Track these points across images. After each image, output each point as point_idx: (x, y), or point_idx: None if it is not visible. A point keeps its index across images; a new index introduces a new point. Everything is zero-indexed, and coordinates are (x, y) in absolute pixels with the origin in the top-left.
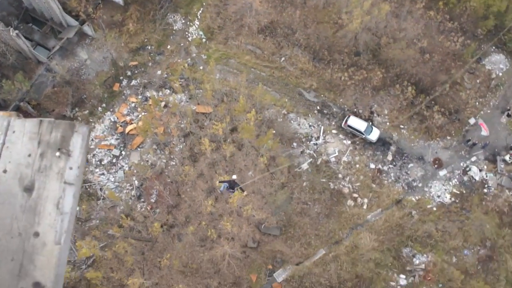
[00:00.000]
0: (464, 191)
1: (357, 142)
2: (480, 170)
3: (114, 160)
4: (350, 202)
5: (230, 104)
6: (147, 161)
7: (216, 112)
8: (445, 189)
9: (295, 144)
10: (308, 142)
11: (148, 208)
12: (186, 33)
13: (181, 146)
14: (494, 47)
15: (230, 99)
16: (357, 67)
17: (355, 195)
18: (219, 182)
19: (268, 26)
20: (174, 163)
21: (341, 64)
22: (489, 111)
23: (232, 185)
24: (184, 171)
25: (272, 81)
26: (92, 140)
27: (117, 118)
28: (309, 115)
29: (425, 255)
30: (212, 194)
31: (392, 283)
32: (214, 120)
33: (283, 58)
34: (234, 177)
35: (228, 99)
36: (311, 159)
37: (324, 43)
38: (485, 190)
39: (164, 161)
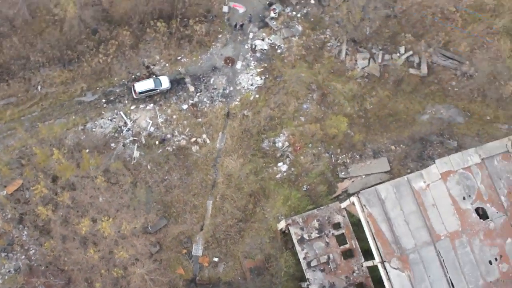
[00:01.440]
0: (266, 64)
1: (158, 99)
2: (263, 39)
3: None
4: (195, 148)
5: (31, 165)
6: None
7: (26, 179)
8: (251, 75)
9: (113, 144)
10: (121, 133)
11: None
12: None
13: (25, 232)
14: None
15: (26, 161)
16: (104, 42)
17: (193, 139)
18: None
19: None
20: (34, 251)
21: (90, 50)
22: None
23: None
24: (48, 248)
25: (46, 113)
26: None
27: None
28: (102, 112)
29: (280, 135)
30: (87, 243)
31: (278, 175)
32: (31, 188)
33: (39, 87)
34: None
35: (26, 161)
36: (136, 144)
37: (59, 45)
38: (279, 51)
39: (23, 258)
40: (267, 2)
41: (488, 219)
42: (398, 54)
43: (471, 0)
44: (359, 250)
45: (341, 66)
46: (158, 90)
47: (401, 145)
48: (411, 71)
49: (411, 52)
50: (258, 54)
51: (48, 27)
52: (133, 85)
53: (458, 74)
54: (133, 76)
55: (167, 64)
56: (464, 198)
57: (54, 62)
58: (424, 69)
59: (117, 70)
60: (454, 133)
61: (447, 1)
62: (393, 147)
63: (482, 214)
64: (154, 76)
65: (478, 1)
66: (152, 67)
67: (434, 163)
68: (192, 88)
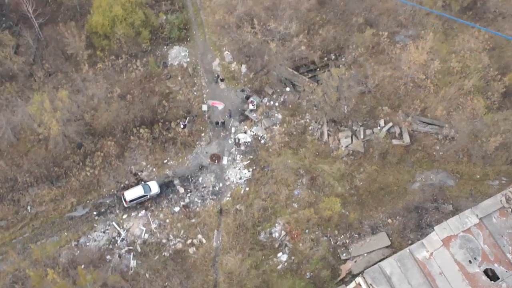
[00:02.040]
0: (251, 156)
1: (149, 205)
2: (245, 132)
3: None
4: (191, 250)
5: None
6: None
7: None
8: (239, 169)
9: (108, 256)
10: (116, 244)
11: None
12: None
13: None
14: (165, 46)
15: (20, 285)
16: (90, 155)
17: (189, 241)
18: None
19: None
20: None
21: (77, 165)
22: (208, 90)
23: None
24: None
25: (38, 232)
26: None
27: None
28: (94, 224)
29: (276, 225)
30: None
31: (279, 266)
32: None
33: (29, 207)
34: None
35: (19, 285)
36: (132, 253)
37: (45, 163)
38: (262, 141)
39: None
40: (244, 96)
41: (499, 280)
42: (378, 128)
43: (438, 66)
44: None
45: (326, 147)
46: (148, 196)
47: (398, 217)
48: (394, 142)
49: (391, 124)
50: (242, 147)
51: (33, 146)
52: (123, 194)
53: (440, 138)
54: (122, 185)
55: (154, 169)
56: (470, 262)
57: (41, 180)
58: (406, 139)
59: (105, 181)
60: (447, 197)
61: (416, 70)
62: (390, 220)
63: (492, 275)
64: (142, 182)
65: (445, 66)
66: (139, 173)
67: (433, 230)
68: (182, 190)
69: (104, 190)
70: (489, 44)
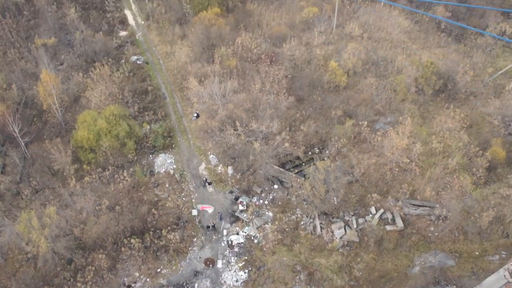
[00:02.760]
0: (246, 257)
1: None
2: (237, 233)
3: None
4: None
5: None
6: None
7: None
8: (234, 271)
9: None
10: None
11: None
12: None
13: None
14: (151, 155)
15: None
16: (81, 270)
17: None
18: None
19: None
20: None
21: (67, 281)
22: (197, 195)
23: None
24: None
25: None
26: None
27: None
28: None
29: None
30: None
31: None
32: None
33: None
34: None
35: None
36: None
37: (34, 283)
38: (256, 241)
39: None
40: (233, 197)
41: None
42: (370, 215)
43: (421, 148)
44: None
45: (320, 241)
46: None
47: None
48: (388, 228)
49: (382, 210)
50: (236, 249)
51: (22, 266)
52: None
53: (433, 219)
54: None
55: (148, 279)
56: None
57: None
58: (399, 223)
59: None
60: (449, 278)
61: (399, 155)
62: None
63: None
64: None
65: (427, 148)
66: (133, 285)
67: None
68: None
69: None
70: (465, 122)
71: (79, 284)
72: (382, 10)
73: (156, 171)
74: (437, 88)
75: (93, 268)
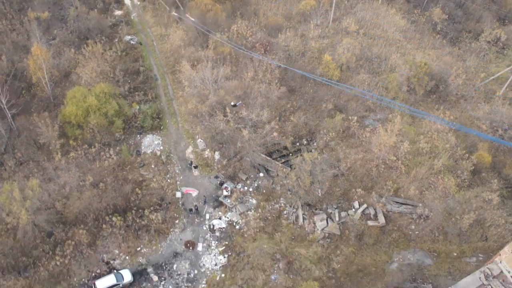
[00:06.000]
0: (227, 242)
1: None
2: (220, 218)
3: None
4: None
5: None
6: None
7: None
8: (214, 255)
9: None
10: None
11: None
12: None
13: None
14: (139, 135)
15: None
16: (60, 244)
17: None
18: None
19: None
20: None
21: (46, 254)
22: (182, 177)
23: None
24: None
25: None
26: None
27: None
28: None
29: None
30: None
31: None
32: None
33: None
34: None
35: None
36: None
37: (13, 253)
38: (237, 227)
39: None
40: (218, 182)
41: None
42: (353, 209)
43: (408, 147)
44: None
45: (301, 231)
46: (120, 285)
47: None
48: (370, 223)
49: (365, 205)
50: (217, 233)
51: (1, 236)
52: (94, 284)
53: (415, 218)
54: (93, 274)
55: (127, 257)
56: None
57: (8, 270)
58: (381, 219)
59: (76, 270)
60: (426, 276)
61: (386, 152)
62: None
63: None
64: (115, 271)
65: (414, 147)
66: (112, 262)
67: None
68: (155, 278)
69: (75, 279)
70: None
71: (57, 258)
72: (379, 8)
73: (143, 151)
74: (429, 89)
75: (73, 242)
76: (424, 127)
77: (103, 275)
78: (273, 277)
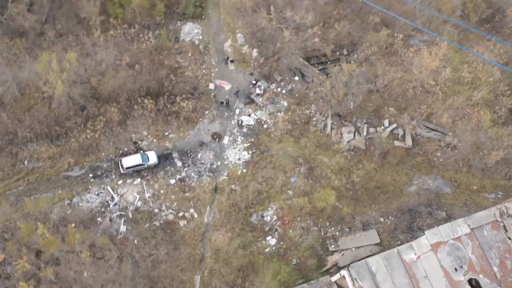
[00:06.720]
0: (252, 139)
1: (145, 174)
2: (249, 115)
3: None
4: (182, 223)
5: (15, 239)
6: None
7: (8, 253)
8: (239, 150)
9: (99, 218)
10: (108, 208)
11: None
12: None
13: None
14: (179, 22)
15: (10, 235)
16: (92, 118)
17: (181, 214)
18: None
19: None
20: None
21: (78, 126)
22: (217, 69)
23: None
24: None
25: (33, 187)
26: None
27: None
28: (89, 186)
29: (269, 209)
30: None
31: (266, 249)
32: (13, 263)
33: (26, 161)
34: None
35: (9, 235)
36: (124, 218)
37: (47, 121)
38: (265, 126)
39: None
40: (253, 79)
41: None
42: (382, 127)
43: (450, 74)
44: None
45: (327, 140)
46: (145, 165)
47: (390, 217)
48: (396, 143)
49: (395, 125)
50: (244, 130)
51: (37, 103)
52: (121, 160)
53: (442, 145)
54: (121, 151)
55: (154, 140)
56: (456, 270)
57: (41, 137)
58: (408, 141)
59: (104, 146)
60: (442, 204)
61: (426, 75)
62: (382, 219)
63: (475, 285)
64: (141, 151)
65: (456, 75)
66: (139, 142)
67: (424, 234)
68: (179, 163)
69: (103, 154)
70: (503, 58)
71: (88, 131)
72: None
73: (181, 38)
74: (483, 17)
75: (104, 119)
76: (471, 56)
77: (130, 153)
78: (292, 180)
